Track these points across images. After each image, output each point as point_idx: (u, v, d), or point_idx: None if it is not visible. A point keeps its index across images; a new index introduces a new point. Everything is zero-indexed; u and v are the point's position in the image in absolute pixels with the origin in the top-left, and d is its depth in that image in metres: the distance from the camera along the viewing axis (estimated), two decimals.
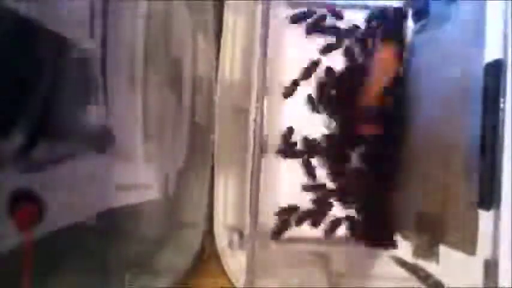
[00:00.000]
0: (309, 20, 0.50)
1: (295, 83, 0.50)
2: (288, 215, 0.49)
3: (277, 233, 0.49)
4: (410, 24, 0.50)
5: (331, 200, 0.50)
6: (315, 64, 0.50)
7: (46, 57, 0.31)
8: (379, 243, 0.49)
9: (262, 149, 0.39)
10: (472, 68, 0.35)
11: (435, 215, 0.40)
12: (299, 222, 0.50)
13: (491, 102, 0.33)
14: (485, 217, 0.33)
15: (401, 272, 0.44)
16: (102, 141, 0.38)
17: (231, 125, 0.41)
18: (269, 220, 0.49)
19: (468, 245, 0.34)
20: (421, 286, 0.40)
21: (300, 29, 0.51)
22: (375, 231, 0.50)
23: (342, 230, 0.51)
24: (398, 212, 0.49)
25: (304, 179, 0.50)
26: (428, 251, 0.41)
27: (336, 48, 0.51)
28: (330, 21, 0.51)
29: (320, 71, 0.51)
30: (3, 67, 0.27)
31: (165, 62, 0.43)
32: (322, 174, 0.51)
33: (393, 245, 0.48)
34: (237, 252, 0.40)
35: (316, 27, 0.51)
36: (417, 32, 0.49)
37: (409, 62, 0.50)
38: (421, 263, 0.42)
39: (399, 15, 0.51)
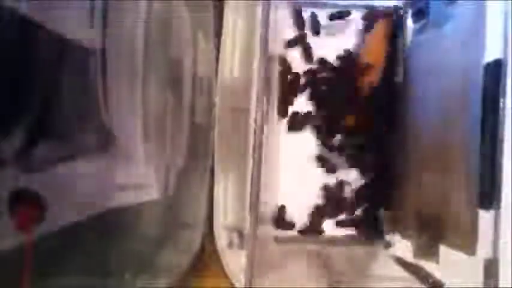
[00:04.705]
0: None
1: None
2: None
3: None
4: (410, 24, 0.50)
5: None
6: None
7: (46, 57, 0.31)
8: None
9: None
10: (472, 68, 0.35)
11: (435, 215, 0.40)
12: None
13: (491, 102, 0.33)
14: (485, 217, 0.33)
15: (401, 272, 0.44)
16: (102, 141, 0.37)
17: (231, 125, 0.41)
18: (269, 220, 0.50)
19: (468, 245, 0.34)
20: (421, 286, 0.40)
21: None
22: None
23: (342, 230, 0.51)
24: (398, 212, 0.49)
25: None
26: (428, 251, 0.41)
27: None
28: None
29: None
30: (3, 67, 0.27)
31: (165, 62, 0.43)
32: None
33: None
34: (237, 252, 0.40)
35: None
36: (417, 32, 0.49)
37: (409, 62, 0.50)
38: (421, 263, 0.42)
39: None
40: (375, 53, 0.51)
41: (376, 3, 0.51)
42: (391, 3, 0.51)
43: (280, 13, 0.51)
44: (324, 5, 0.52)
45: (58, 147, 0.33)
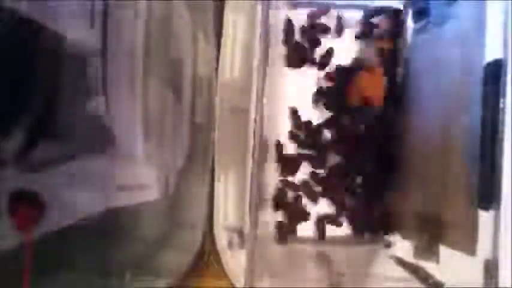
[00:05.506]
0: None
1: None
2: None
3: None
4: (410, 24, 0.50)
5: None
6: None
7: (46, 57, 0.32)
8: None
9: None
10: (472, 68, 0.35)
11: (435, 215, 0.40)
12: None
13: (491, 102, 0.33)
14: (485, 217, 0.33)
15: (401, 272, 0.44)
16: (102, 141, 0.38)
17: (231, 125, 0.41)
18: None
19: (468, 245, 0.34)
20: (421, 286, 0.40)
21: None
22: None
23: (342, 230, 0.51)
24: (398, 212, 0.49)
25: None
26: (428, 251, 0.41)
27: None
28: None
29: None
30: (3, 67, 0.27)
31: (165, 62, 0.43)
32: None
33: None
34: (237, 252, 0.40)
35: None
36: (417, 32, 0.49)
37: (409, 62, 0.50)
38: (421, 263, 0.42)
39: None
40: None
41: (376, 3, 0.51)
42: (392, 3, 0.51)
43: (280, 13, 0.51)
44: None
45: (58, 147, 0.33)
